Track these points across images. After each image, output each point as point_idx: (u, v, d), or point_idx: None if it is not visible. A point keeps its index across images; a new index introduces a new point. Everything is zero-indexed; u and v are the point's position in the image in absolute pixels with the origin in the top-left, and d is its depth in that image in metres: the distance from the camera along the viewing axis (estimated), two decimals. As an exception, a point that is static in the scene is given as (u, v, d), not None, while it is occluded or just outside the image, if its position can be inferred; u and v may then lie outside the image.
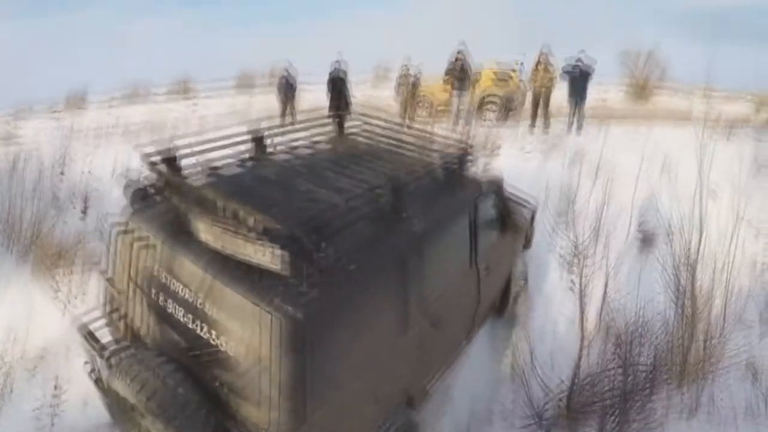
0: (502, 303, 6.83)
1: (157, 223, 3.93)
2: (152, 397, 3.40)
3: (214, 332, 3.50)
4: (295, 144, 5.43)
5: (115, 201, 10.86)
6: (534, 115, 15.39)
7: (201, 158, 4.41)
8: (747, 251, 8.16)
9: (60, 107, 32.80)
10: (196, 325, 3.61)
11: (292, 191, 4.12)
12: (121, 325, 4.15)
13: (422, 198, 4.55)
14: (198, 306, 3.57)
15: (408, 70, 17.05)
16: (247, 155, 4.94)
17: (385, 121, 6.34)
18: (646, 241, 8.76)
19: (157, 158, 4.02)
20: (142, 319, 4.01)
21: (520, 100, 18.17)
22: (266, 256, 3.24)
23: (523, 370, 5.35)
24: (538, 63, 15.05)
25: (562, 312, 6.86)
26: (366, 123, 6.11)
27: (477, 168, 5.82)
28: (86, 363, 4.28)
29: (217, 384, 3.49)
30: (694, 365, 5.58)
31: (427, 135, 6.11)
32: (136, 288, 4.01)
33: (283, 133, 5.46)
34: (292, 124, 17.00)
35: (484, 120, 16.83)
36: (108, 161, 12.29)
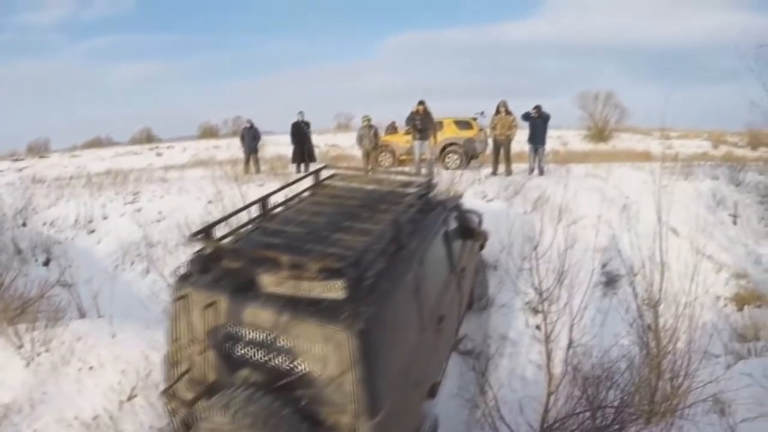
0: (471, 297, 7.92)
1: (218, 285, 4.52)
2: (264, 424, 3.96)
3: (293, 359, 4.19)
4: (287, 200, 6.34)
5: (78, 252, 10.81)
6: (495, 162, 15.56)
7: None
8: (709, 286, 8.30)
9: (21, 155, 32.56)
10: (272, 358, 4.27)
11: (319, 238, 5.04)
12: (192, 385, 4.58)
13: (411, 224, 5.65)
14: (273, 342, 4.26)
15: (369, 120, 17.11)
16: (255, 217, 5.83)
17: (349, 168, 7.87)
18: (610, 282, 8.92)
19: (200, 234, 4.88)
20: (213, 371, 4.53)
21: (481, 148, 18.50)
22: (331, 289, 4.04)
23: (492, 416, 5.40)
24: (498, 111, 15.18)
25: (529, 358, 6.92)
26: (336, 173, 7.27)
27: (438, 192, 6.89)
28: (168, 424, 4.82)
29: (305, 400, 4.13)
30: (662, 403, 5.65)
31: (390, 174, 7.46)
32: (204, 345, 4.51)
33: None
34: (257, 172, 17.24)
35: (447, 167, 16.96)
36: (71, 211, 12.25)
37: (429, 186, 6.65)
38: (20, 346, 6.53)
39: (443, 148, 18.07)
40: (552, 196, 11.83)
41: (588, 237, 9.56)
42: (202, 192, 13.53)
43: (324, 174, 7.05)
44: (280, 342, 4.24)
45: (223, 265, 4.66)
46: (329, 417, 4.11)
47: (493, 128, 15.43)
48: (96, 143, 49.62)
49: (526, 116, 15.14)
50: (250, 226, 5.58)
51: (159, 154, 38.36)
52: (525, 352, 7.14)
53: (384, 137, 18.95)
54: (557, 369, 5.68)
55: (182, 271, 4.80)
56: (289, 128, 18.33)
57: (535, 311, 7.63)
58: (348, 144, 25.97)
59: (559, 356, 5.80)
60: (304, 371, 4.18)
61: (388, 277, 4.60)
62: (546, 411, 5.29)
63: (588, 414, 5.15)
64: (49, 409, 5.79)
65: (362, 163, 17.13)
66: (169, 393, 4.63)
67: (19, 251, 9.90)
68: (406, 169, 15.93)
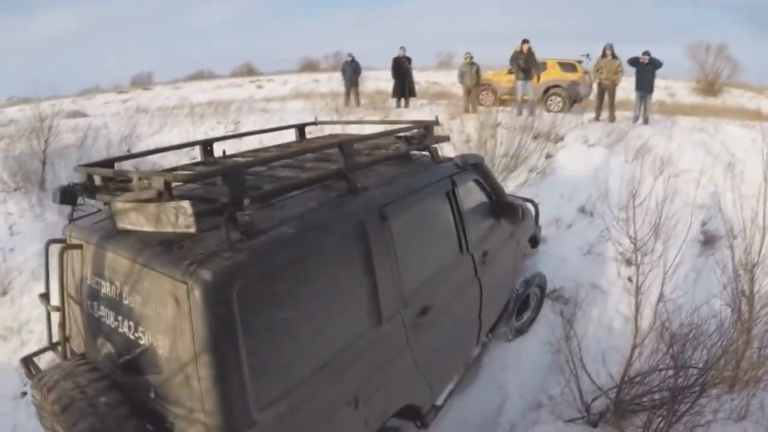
0: (508, 311, 6.17)
1: (85, 224, 3.66)
2: (67, 408, 2.97)
3: (139, 328, 3.08)
4: (253, 149, 5.32)
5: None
6: (599, 107, 15.24)
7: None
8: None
9: (126, 88, 33.62)
10: (120, 324, 3.22)
11: (233, 168, 3.25)
12: (63, 347, 3.76)
13: (384, 174, 4.32)
14: (122, 301, 3.18)
15: (471, 58, 16.98)
16: (194, 161, 4.95)
17: (342, 121, 6.61)
18: (708, 241, 8.64)
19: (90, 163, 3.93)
20: (79, 334, 3.73)
21: (585, 92, 18.03)
22: (174, 217, 2.75)
23: (574, 363, 5.23)
24: (604, 54, 14.81)
25: (618, 309, 6.81)
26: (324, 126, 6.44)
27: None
28: (24, 394, 4.48)
29: (148, 389, 3.03)
30: (747, 371, 5.47)
31: (389, 122, 6.24)
32: (71, 302, 3.72)
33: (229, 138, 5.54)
34: (357, 105, 17.28)
35: (549, 110, 16.69)
36: (174, 138, 12.59)
37: (426, 134, 4.93)
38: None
39: (546, 90, 17.72)
40: (655, 146, 11.51)
41: (689, 192, 9.25)
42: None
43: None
44: (125, 300, 3.13)
45: (98, 197, 3.60)
46: (174, 422, 2.92)
47: (598, 72, 15.06)
48: (198, 76, 50.74)
49: (634, 61, 14.67)
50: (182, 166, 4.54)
51: (260, 87, 39.08)
52: (614, 303, 7.00)
53: (486, 76, 18.68)
54: (645, 322, 5.50)
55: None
56: (389, 63, 18.33)
57: (629, 262, 7.46)
58: (448, 82, 25.75)
59: (647, 310, 5.68)
60: (146, 346, 3.03)
61: (307, 223, 3.33)
62: (629, 364, 5.18)
63: (671, 372, 5.05)
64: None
65: (463, 101, 17.04)
66: (29, 362, 3.91)
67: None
68: (508, 108, 15.73)
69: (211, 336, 2.66)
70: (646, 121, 14.61)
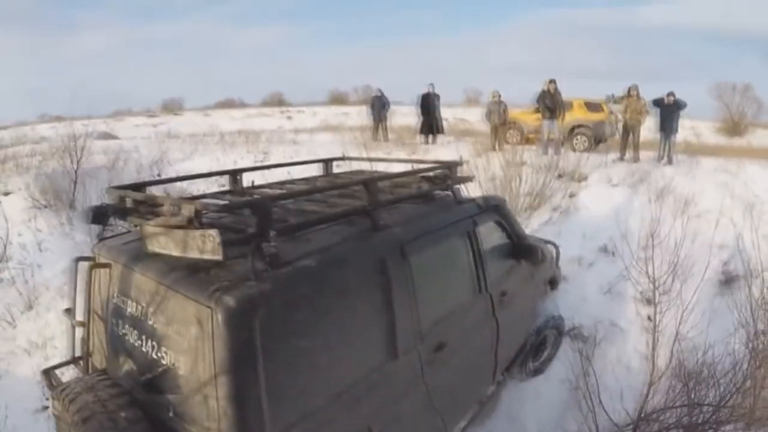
0: (525, 351, 6.23)
1: (114, 245, 3.83)
2: (88, 420, 3.11)
3: (161, 347, 3.22)
4: (280, 181, 5.43)
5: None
6: (623, 147, 15.35)
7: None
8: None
9: (156, 112, 34.05)
10: (143, 343, 3.36)
11: (261, 201, 3.48)
12: (86, 362, 4.01)
13: (407, 213, 4.43)
14: (146, 321, 3.33)
15: (499, 96, 17.28)
16: (223, 190, 5.02)
17: (369, 158, 6.71)
18: (728, 281, 8.74)
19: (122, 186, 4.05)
20: (102, 350, 3.89)
21: (610, 131, 18.21)
22: (202, 244, 2.86)
23: (591, 400, 5.36)
24: (629, 94, 15.01)
25: (636, 348, 6.95)
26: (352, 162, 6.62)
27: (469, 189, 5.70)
28: (45, 408, 4.67)
29: (167, 407, 3.15)
30: (764, 409, 5.53)
31: (414, 161, 6.23)
32: (96, 318, 3.87)
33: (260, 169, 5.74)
34: (385, 140, 17.56)
35: (574, 149, 16.85)
36: (204, 165, 12.85)
37: (450, 175, 5.11)
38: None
39: (572, 129, 17.92)
40: (678, 187, 11.63)
41: (710, 232, 9.44)
42: (330, 155, 13.93)
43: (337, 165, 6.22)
44: (150, 320, 3.29)
45: (129, 220, 3.74)
46: None
47: (623, 112, 15.27)
48: (227, 104, 51.36)
49: (659, 102, 14.82)
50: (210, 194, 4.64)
51: (289, 118, 39.52)
52: (633, 342, 7.12)
53: (513, 114, 18.93)
54: (661, 361, 5.67)
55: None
56: (415, 98, 18.82)
57: (648, 301, 7.60)
58: (476, 119, 25.95)
59: (664, 348, 5.83)
60: (168, 365, 3.17)
61: (331, 256, 3.48)
62: (645, 401, 5.34)
63: (686, 409, 5.21)
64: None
65: (490, 138, 17.26)
66: (49, 375, 4.07)
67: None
68: (533, 147, 15.96)
69: (231, 359, 2.81)
70: (670, 161, 14.69)
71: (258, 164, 13.01)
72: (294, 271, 3.19)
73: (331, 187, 4.38)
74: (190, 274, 3.09)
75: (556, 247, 7.36)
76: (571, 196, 11.30)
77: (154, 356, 3.25)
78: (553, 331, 6.79)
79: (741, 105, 39.80)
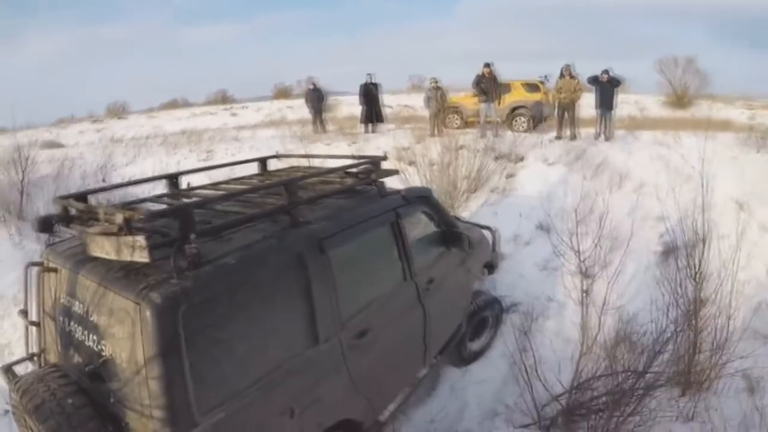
0: (460, 333, 6.34)
1: (62, 249, 4.09)
2: (39, 407, 3.42)
3: (102, 341, 3.49)
4: (216, 182, 5.60)
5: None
6: (560, 126, 15.56)
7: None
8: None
9: (101, 117, 33.65)
10: (87, 338, 3.62)
11: (210, 214, 4.07)
12: (40, 357, 4.30)
13: (329, 208, 4.64)
14: (88, 317, 3.59)
15: (437, 82, 17.31)
16: (160, 194, 5.14)
17: (306, 155, 7.10)
18: (664, 253, 8.83)
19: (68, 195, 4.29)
20: (54, 346, 4.10)
21: (549, 111, 18.35)
22: (132, 248, 3.20)
23: (527, 373, 5.45)
24: (562, 75, 15.22)
25: (573, 320, 6.99)
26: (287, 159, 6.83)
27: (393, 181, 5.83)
28: (7, 412, 4.75)
29: (108, 394, 3.42)
30: (698, 374, 5.72)
31: (343, 156, 6.32)
32: (47, 318, 4.15)
33: (199, 171, 5.91)
34: (323, 132, 17.58)
35: (514, 130, 16.97)
36: (147, 168, 12.77)
37: (373, 169, 5.38)
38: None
39: (511, 111, 18.09)
40: (614, 162, 11.80)
41: (646, 205, 9.56)
42: (271, 151, 13.92)
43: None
44: (92, 316, 3.55)
45: (72, 226, 3.97)
46: (129, 421, 3.33)
47: (558, 92, 15.45)
48: (172, 105, 50.72)
49: (594, 80, 15.05)
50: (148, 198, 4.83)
51: (234, 115, 39.13)
52: (569, 314, 7.17)
53: (453, 99, 18.96)
54: (593, 332, 5.72)
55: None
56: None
57: (586, 275, 7.67)
58: (420, 105, 26.06)
59: (599, 319, 5.86)
60: (107, 357, 3.44)
61: (249, 254, 3.74)
62: (577, 371, 5.39)
63: (615, 377, 5.25)
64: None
65: (429, 124, 17.26)
66: (9, 371, 4.24)
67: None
68: (474, 131, 16.05)
69: (158, 349, 3.08)
70: (607, 138, 14.92)
71: (202, 163, 13.20)
72: (214, 269, 3.47)
73: (253, 189, 4.68)
74: (124, 274, 3.39)
75: (493, 232, 7.47)
76: (508, 177, 11.40)
77: (96, 349, 3.52)
78: (491, 313, 6.95)
79: (684, 78, 40.30)
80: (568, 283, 7.80)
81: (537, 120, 18.26)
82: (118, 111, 44.97)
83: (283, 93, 53.85)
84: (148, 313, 3.10)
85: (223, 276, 3.49)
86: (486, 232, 7.30)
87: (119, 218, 3.29)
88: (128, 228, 3.27)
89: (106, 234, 3.37)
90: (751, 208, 10.02)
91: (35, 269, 4.20)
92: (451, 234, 6.04)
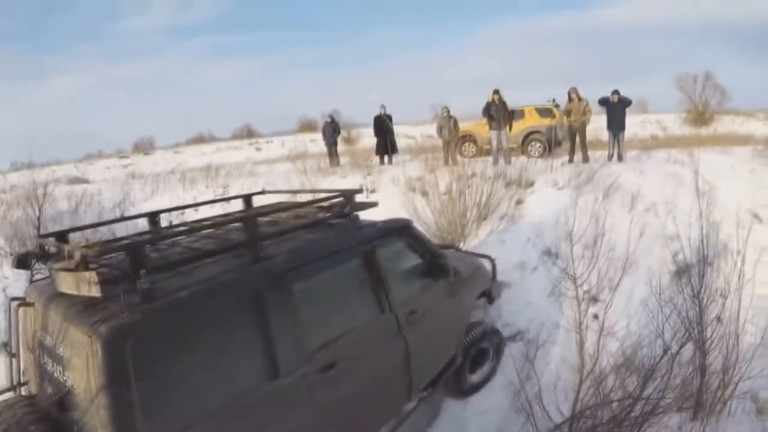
0: (455, 365, 6.29)
1: (38, 286, 4.28)
2: (5, 431, 3.67)
3: (65, 372, 3.64)
4: (195, 220, 5.94)
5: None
6: (572, 149, 15.52)
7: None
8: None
9: (128, 152, 34.30)
10: (55, 369, 3.80)
11: (134, 243, 3.89)
12: (19, 388, 4.46)
13: (296, 242, 4.69)
14: (56, 350, 3.75)
15: (449, 111, 17.37)
16: (142, 231, 5.48)
17: (286, 191, 7.24)
18: (679, 273, 8.70)
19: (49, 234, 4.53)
20: (34, 378, 4.26)
21: (563, 135, 18.24)
22: (87, 283, 3.36)
23: (529, 401, 5.36)
24: (570, 98, 15.23)
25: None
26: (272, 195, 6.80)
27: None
28: None
29: (72, 423, 3.53)
30: (708, 396, 5.63)
31: (320, 191, 6.75)
32: (27, 350, 4.28)
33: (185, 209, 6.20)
34: (337, 164, 17.71)
35: (529, 156, 16.93)
36: (164, 203, 12.98)
37: (346, 203, 5.38)
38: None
39: (526, 137, 18.07)
40: (626, 183, 11.69)
41: (657, 225, 9.46)
42: (288, 185, 14.03)
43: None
44: (59, 349, 3.71)
45: (47, 264, 4.17)
46: None
47: (567, 115, 15.43)
48: (198, 140, 51.33)
49: (604, 101, 15.02)
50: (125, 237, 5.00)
51: (258, 149, 39.61)
52: (576, 341, 7.11)
53: (467, 127, 18.97)
54: (602, 357, 5.64)
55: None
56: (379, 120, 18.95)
57: (595, 300, 7.58)
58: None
59: (608, 345, 5.80)
60: (70, 387, 3.58)
61: (204, 288, 3.81)
62: (577, 399, 5.31)
63: (624, 403, 5.16)
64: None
65: (442, 153, 17.28)
66: None
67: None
68: (489, 158, 16.03)
69: (107, 380, 3.22)
70: (620, 159, 14.82)
71: (218, 197, 13.15)
72: (167, 303, 3.58)
73: (215, 225, 4.76)
74: (82, 309, 3.53)
75: (492, 261, 7.49)
76: (518, 203, 11.32)
77: (62, 380, 3.68)
78: (490, 343, 6.87)
79: (704, 94, 40.13)
80: (576, 308, 7.76)
81: (552, 144, 18.20)
82: (145, 147, 45.61)
83: (307, 126, 54.46)
84: (97, 345, 3.23)
85: (174, 310, 3.61)
86: (485, 261, 7.35)
87: (77, 254, 3.49)
88: (85, 264, 3.48)
89: (67, 270, 3.59)
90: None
91: (15, 304, 4.38)
92: (435, 265, 6.04)
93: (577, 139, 15.34)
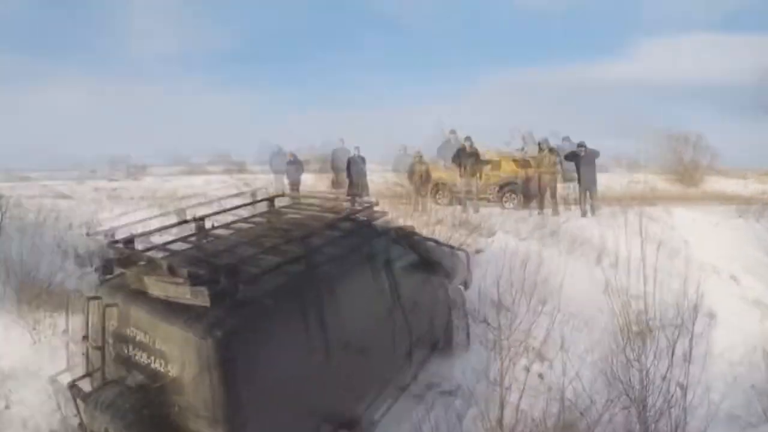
0: (447, 336, 7.73)
1: (120, 288, 4.87)
2: (122, 418, 4.28)
3: (165, 363, 4.40)
4: (232, 221, 6.55)
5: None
6: (541, 201, 15.37)
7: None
8: (751, 336, 7.69)
9: (119, 176, 34.78)
10: (151, 361, 4.50)
11: (221, 251, 5.21)
12: (99, 376, 4.87)
13: (331, 248, 5.67)
14: (153, 345, 4.48)
15: (421, 157, 17.03)
16: (191, 233, 6.06)
17: (311, 195, 8.42)
18: (641, 333, 8.33)
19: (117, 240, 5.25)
20: (114, 370, 4.80)
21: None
22: (197, 295, 4.16)
23: None
24: (540, 149, 15.31)
25: (521, 405, 6.56)
26: (294, 199, 7.91)
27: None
28: (75, 415, 5.03)
29: (173, 405, 4.36)
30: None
31: (342, 200, 7.44)
32: (108, 343, 4.82)
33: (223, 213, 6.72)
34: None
35: (504, 207, 16.82)
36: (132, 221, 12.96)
37: (368, 213, 6.69)
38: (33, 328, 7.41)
39: (500, 188, 17.69)
40: (592, 238, 11.51)
41: (618, 280, 9.04)
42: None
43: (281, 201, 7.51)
44: (157, 345, 4.47)
45: (128, 269, 4.87)
46: (190, 425, 4.29)
47: (537, 167, 15.31)
48: (192, 171, 51.76)
49: (572, 156, 14.98)
50: (177, 239, 5.82)
51: (246, 185, 39.54)
52: (513, 399, 6.69)
53: (439, 173, 18.59)
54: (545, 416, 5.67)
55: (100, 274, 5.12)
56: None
57: (542, 357, 7.21)
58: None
59: (551, 407, 5.74)
60: (171, 376, 4.38)
61: (277, 295, 4.73)
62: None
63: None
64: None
65: (412, 199, 16.78)
66: (75, 387, 4.93)
67: (78, 256, 10.70)
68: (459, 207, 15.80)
69: (219, 373, 4.12)
70: (592, 213, 14.66)
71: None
72: (254, 310, 4.52)
73: (267, 233, 5.90)
74: (183, 310, 4.32)
75: (467, 254, 8.85)
76: (477, 252, 11.02)
77: (161, 370, 4.44)
78: (463, 319, 8.28)
79: (695, 155, 40.05)
80: (520, 364, 7.38)
81: (528, 196, 17.65)
82: (136, 172, 45.84)
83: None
84: (206, 345, 4.12)
85: (265, 315, 4.59)
86: (461, 254, 8.60)
87: (184, 273, 4.26)
88: (192, 281, 4.20)
89: (171, 282, 4.37)
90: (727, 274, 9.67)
91: (95, 303, 4.89)
92: (432, 263, 7.29)
93: (547, 191, 15.21)
